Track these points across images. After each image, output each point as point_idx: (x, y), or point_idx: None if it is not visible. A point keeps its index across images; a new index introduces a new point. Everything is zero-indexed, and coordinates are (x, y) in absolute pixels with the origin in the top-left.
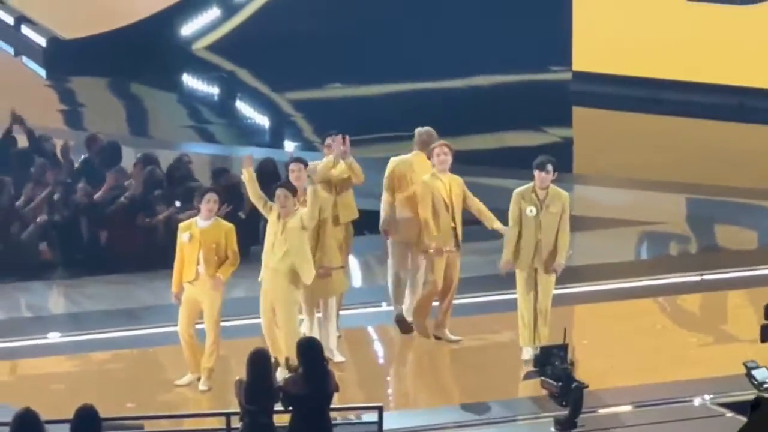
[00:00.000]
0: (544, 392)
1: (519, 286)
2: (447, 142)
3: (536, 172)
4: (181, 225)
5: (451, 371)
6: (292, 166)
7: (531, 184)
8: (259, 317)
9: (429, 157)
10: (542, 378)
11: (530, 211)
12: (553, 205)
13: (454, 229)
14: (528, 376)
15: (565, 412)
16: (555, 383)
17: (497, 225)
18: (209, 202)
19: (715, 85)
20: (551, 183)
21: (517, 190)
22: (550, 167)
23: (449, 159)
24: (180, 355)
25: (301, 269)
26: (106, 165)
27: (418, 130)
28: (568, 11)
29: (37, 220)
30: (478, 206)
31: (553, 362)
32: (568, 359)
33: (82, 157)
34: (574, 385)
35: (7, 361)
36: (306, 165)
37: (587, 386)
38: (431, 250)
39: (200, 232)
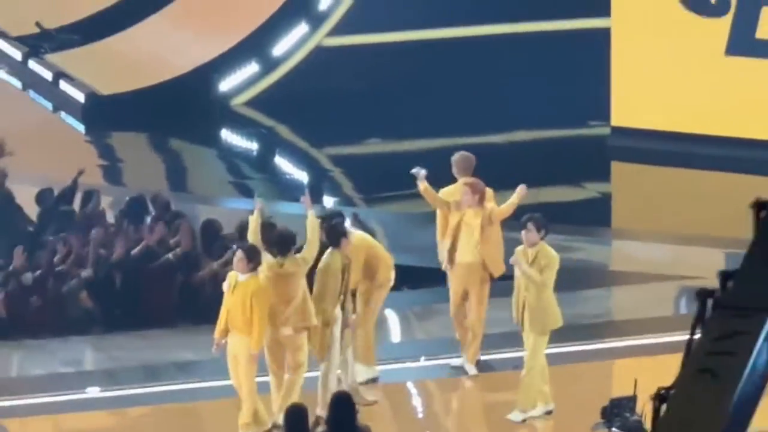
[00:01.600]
0: None
1: None
2: (471, 180)
3: (521, 231)
4: (230, 274)
5: (496, 426)
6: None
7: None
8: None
9: None
10: (612, 430)
11: (517, 269)
12: (538, 264)
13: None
14: (596, 427)
15: None
16: None
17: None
18: (236, 257)
19: (754, 140)
20: (542, 242)
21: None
22: (530, 225)
23: (467, 198)
24: (219, 409)
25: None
26: (132, 220)
27: (454, 158)
28: (607, 66)
29: (82, 275)
30: (507, 207)
31: (622, 414)
32: (638, 411)
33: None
34: None
35: (46, 416)
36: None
37: None
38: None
39: (236, 284)
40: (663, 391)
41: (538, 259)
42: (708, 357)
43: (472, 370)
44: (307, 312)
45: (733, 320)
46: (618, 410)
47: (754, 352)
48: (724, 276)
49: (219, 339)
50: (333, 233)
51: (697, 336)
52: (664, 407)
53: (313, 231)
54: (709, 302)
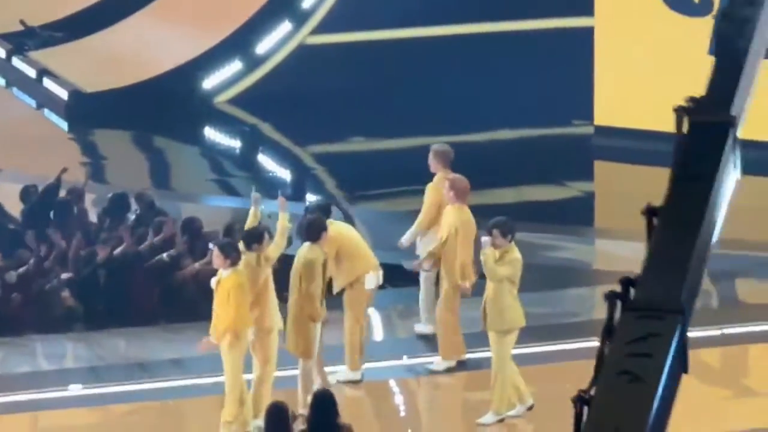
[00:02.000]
0: None
1: None
2: (453, 176)
3: (488, 237)
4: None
5: (471, 423)
6: None
7: None
8: (282, 369)
9: None
10: None
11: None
12: (502, 262)
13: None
14: None
15: None
16: None
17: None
18: (213, 254)
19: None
20: (510, 243)
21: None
22: (495, 232)
23: (446, 193)
24: (200, 407)
25: None
26: (114, 217)
27: (436, 149)
28: (590, 65)
29: (62, 276)
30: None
31: None
32: None
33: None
34: None
35: (28, 413)
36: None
37: None
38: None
39: (219, 280)
40: (584, 394)
41: (504, 257)
42: (626, 359)
43: (438, 366)
44: (271, 313)
45: (644, 322)
46: None
47: (670, 354)
48: (626, 283)
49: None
50: (313, 228)
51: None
52: (586, 411)
53: (281, 233)
54: (618, 305)
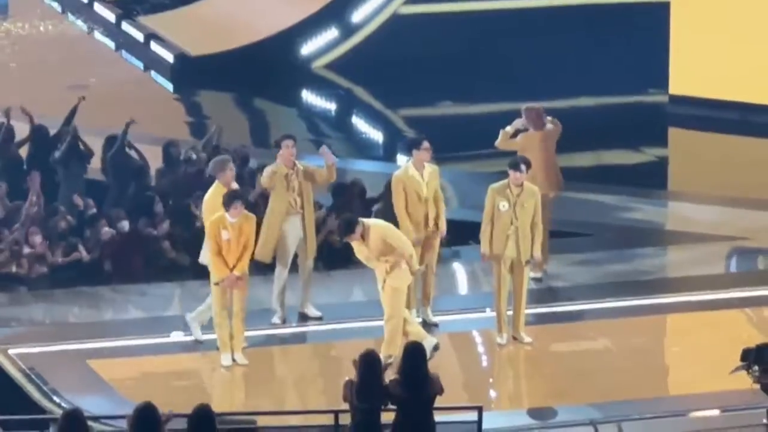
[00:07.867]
0: (756, 386)
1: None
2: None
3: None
4: None
5: (551, 374)
6: (286, 142)
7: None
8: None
9: None
10: (753, 371)
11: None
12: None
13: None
14: (737, 369)
15: None
16: None
17: None
18: None
19: None
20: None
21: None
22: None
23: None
24: (293, 352)
25: None
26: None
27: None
28: (666, 38)
29: (163, 225)
30: None
31: (765, 358)
32: None
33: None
34: None
35: (133, 359)
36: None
37: None
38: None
39: None
40: None
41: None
42: None
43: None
44: None
45: None
46: (762, 356)
47: None
48: None
49: None
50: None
51: None
52: None
53: None
54: None
